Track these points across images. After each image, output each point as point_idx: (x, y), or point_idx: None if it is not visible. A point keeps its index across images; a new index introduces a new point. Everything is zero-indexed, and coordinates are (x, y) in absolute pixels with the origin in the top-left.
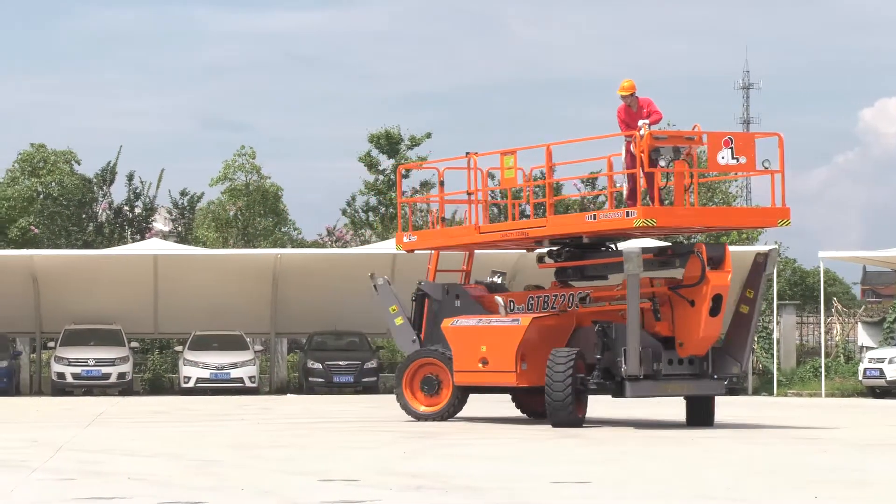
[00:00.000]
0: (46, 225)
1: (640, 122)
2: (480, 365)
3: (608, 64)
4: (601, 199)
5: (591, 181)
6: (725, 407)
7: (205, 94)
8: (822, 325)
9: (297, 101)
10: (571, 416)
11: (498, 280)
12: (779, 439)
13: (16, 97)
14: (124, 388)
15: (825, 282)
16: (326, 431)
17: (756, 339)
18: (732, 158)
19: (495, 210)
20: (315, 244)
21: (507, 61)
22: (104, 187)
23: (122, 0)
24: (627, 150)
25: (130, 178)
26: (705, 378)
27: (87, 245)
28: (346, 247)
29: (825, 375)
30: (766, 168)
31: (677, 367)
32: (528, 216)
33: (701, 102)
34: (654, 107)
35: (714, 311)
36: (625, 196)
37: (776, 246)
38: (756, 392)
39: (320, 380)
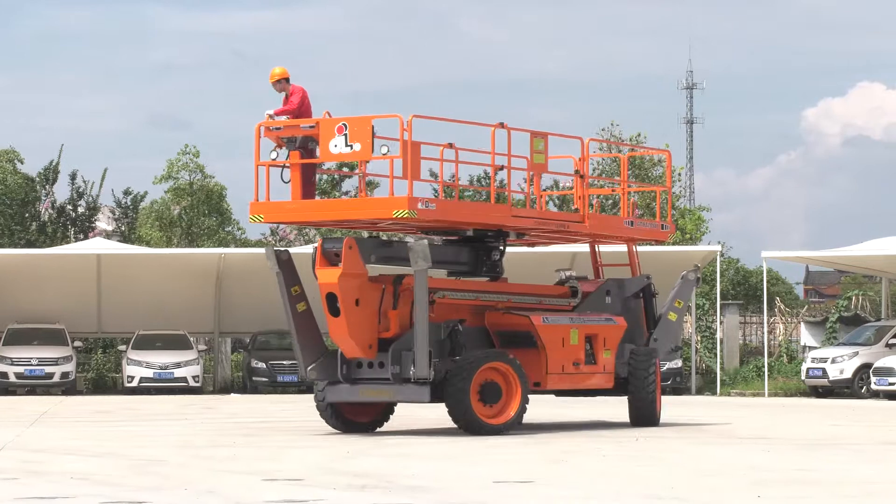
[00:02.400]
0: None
1: (266, 112)
2: None
3: (555, 63)
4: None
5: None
6: (668, 407)
7: (150, 93)
8: (766, 324)
9: (243, 100)
10: (332, 419)
11: (563, 275)
12: (722, 439)
13: None
14: (67, 388)
15: (768, 281)
16: (270, 431)
17: (700, 338)
18: (346, 146)
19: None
20: (259, 244)
21: (456, 61)
22: (47, 186)
23: None
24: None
25: (73, 177)
26: (408, 383)
27: (29, 244)
28: (290, 246)
29: (768, 375)
30: (385, 154)
31: (378, 371)
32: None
33: (644, 102)
34: (295, 97)
35: (331, 310)
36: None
37: (423, 239)
38: (699, 392)
39: (264, 379)
